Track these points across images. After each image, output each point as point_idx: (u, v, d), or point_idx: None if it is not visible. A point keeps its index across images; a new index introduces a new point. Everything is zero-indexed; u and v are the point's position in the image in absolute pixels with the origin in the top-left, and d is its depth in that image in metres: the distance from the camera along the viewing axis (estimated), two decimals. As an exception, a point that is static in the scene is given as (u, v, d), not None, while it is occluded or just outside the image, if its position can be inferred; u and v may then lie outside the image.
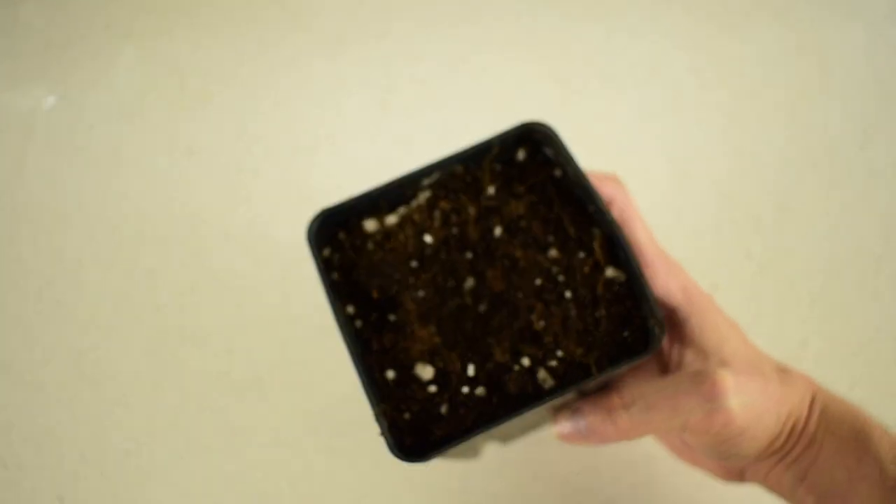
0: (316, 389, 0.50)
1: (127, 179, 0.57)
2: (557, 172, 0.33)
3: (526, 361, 0.30)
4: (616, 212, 0.33)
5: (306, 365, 0.51)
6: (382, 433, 0.29)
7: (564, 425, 0.32)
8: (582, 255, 0.31)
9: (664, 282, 0.33)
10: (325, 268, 0.32)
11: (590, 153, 0.56)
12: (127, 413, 0.50)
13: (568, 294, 0.31)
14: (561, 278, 0.31)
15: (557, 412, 0.33)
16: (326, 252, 0.32)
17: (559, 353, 0.30)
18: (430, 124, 0.58)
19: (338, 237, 0.33)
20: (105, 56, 0.61)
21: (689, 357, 0.33)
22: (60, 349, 0.52)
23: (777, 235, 0.54)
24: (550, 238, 0.32)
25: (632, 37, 0.61)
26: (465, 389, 0.30)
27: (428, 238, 0.31)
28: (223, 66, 0.61)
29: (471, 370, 0.30)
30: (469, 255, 0.31)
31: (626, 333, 0.31)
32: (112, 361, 0.51)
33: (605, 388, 0.33)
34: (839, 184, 0.55)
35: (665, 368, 0.35)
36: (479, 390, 0.30)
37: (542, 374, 0.30)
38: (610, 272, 0.31)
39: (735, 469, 0.37)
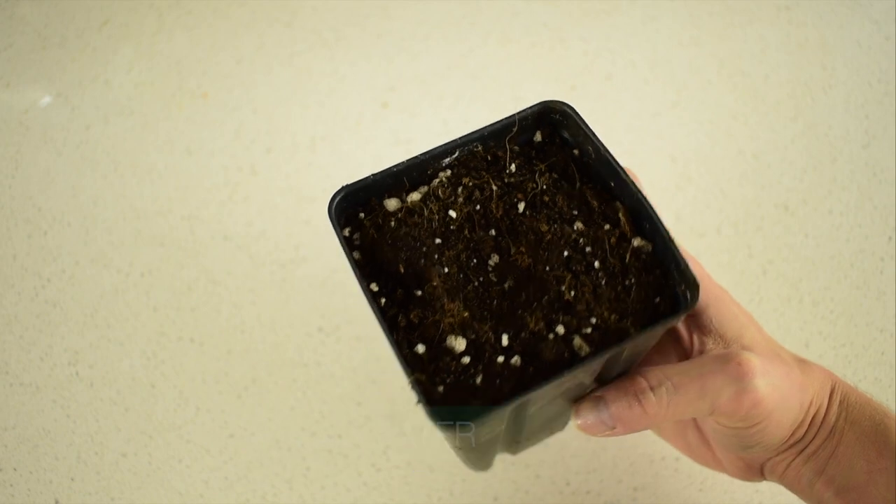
0: (315, 390, 0.50)
1: (124, 179, 0.56)
2: (576, 152, 0.33)
3: (560, 330, 0.29)
4: None
5: (305, 366, 0.51)
6: (419, 401, 0.27)
7: (587, 416, 0.31)
8: (607, 226, 0.31)
9: None
10: (348, 245, 0.31)
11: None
12: (124, 414, 0.50)
13: (597, 264, 0.30)
14: (588, 249, 0.31)
15: (578, 404, 0.32)
16: (346, 231, 0.32)
17: (593, 321, 0.29)
18: (430, 123, 0.58)
19: (358, 217, 0.32)
20: (102, 55, 0.61)
21: (710, 344, 0.32)
22: (56, 350, 0.51)
23: (779, 235, 0.53)
24: (574, 212, 0.31)
25: (632, 35, 0.60)
26: (500, 359, 0.28)
27: (452, 213, 0.31)
28: (221, 65, 0.60)
29: (504, 340, 0.29)
30: (493, 231, 0.31)
31: (657, 300, 0.30)
32: (109, 362, 0.51)
33: (627, 375, 0.32)
34: (842, 183, 0.55)
35: (685, 356, 0.35)
36: (515, 360, 0.29)
37: (577, 341, 0.29)
38: (637, 242, 0.31)
39: (754, 464, 0.36)
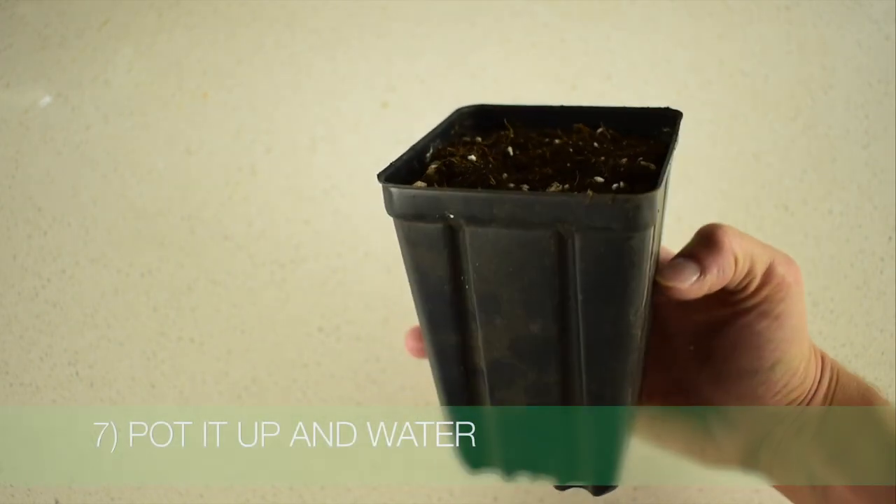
0: (315, 390, 0.50)
1: (124, 179, 0.56)
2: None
3: (624, 160, 0.31)
4: None
5: (305, 366, 0.51)
6: (607, 196, 0.26)
7: (670, 264, 0.33)
8: (577, 133, 0.35)
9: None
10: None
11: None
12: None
13: (595, 144, 0.33)
14: (581, 143, 0.34)
15: (661, 274, 0.33)
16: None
17: (639, 159, 0.32)
18: (429, 124, 0.57)
19: None
20: (102, 55, 0.61)
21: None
22: (56, 350, 0.51)
23: (779, 235, 0.53)
24: (547, 139, 0.34)
25: (632, 35, 0.60)
26: (614, 186, 0.29)
27: (472, 157, 0.33)
28: (221, 65, 0.60)
29: (600, 179, 0.30)
30: (505, 175, 0.32)
31: (653, 142, 0.34)
32: (108, 362, 0.51)
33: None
34: (841, 183, 0.55)
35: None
36: (621, 184, 0.29)
37: (643, 161, 0.31)
38: (602, 129, 0.35)
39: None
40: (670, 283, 0.32)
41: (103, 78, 0.60)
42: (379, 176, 0.29)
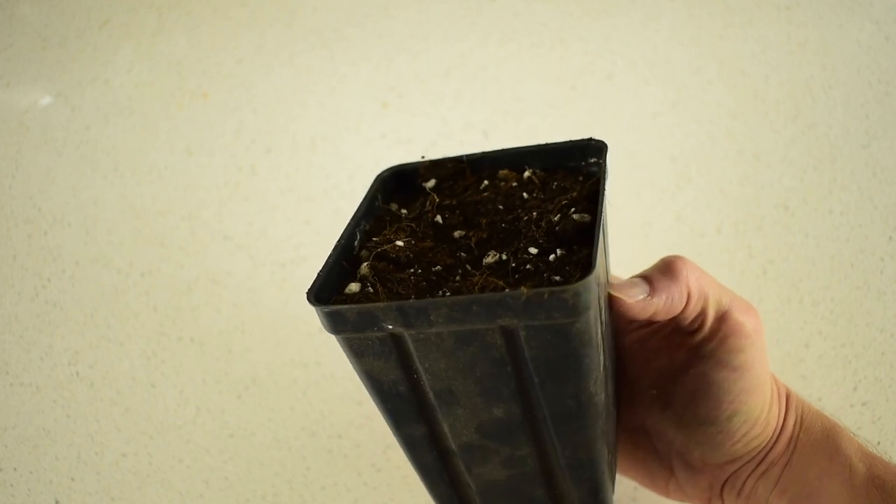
0: (315, 390, 0.50)
1: (124, 179, 0.56)
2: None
3: (556, 216, 0.31)
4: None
5: (305, 366, 0.51)
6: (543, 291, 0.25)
7: (625, 281, 0.33)
8: (505, 179, 0.34)
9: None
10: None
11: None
12: (124, 414, 0.50)
13: (525, 195, 0.33)
14: (509, 195, 0.33)
15: (613, 286, 0.33)
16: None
17: (572, 209, 0.31)
18: (430, 123, 0.58)
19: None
20: (102, 55, 0.61)
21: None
22: (56, 350, 0.51)
23: (779, 235, 0.53)
24: (473, 195, 0.34)
25: (633, 35, 0.60)
26: (552, 256, 0.29)
27: (400, 243, 0.33)
28: (221, 65, 0.60)
29: (534, 250, 0.29)
30: (439, 257, 0.32)
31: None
32: (108, 362, 0.51)
33: None
34: (842, 183, 0.55)
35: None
36: (558, 252, 0.29)
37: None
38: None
39: (717, 483, 0.37)
40: (618, 294, 0.32)
41: (103, 78, 0.60)
42: (308, 295, 0.28)
